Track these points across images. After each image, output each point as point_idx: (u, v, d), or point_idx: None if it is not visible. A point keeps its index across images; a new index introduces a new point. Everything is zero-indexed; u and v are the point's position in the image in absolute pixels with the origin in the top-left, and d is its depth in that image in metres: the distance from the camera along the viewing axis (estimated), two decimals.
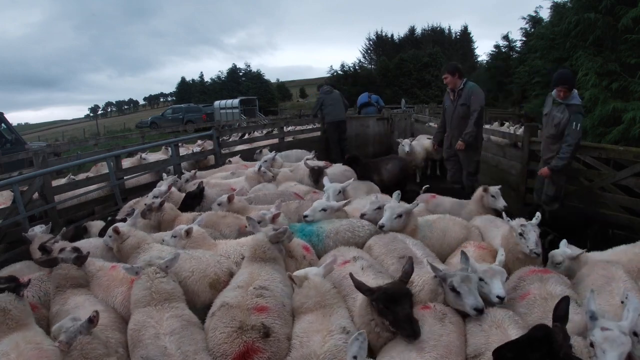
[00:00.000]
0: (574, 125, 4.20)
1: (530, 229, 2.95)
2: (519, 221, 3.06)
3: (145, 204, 4.18)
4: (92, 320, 2.05)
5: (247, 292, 2.39)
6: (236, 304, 2.28)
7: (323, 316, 2.26)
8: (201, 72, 76.50)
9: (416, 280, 2.62)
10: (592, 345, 1.84)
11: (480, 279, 2.50)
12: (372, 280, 2.53)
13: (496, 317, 2.25)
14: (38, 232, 3.87)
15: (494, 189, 4.24)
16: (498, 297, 2.42)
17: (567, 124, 4.25)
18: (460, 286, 2.32)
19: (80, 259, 2.86)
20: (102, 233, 3.71)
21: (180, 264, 2.81)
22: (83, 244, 3.52)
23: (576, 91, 4.42)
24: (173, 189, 4.94)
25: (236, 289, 2.45)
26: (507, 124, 11.73)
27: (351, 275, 2.28)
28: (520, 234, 2.95)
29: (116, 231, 3.20)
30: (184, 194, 4.82)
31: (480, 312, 2.25)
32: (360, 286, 2.19)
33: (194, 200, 4.53)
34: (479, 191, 4.34)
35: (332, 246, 3.28)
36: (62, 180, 6.29)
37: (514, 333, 2.08)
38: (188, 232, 3.27)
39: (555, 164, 4.35)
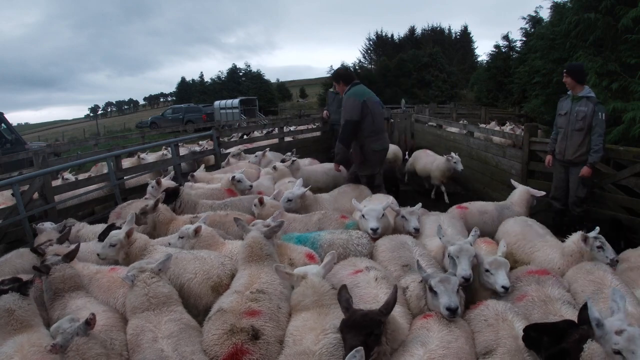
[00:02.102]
0: (600, 115, 4.31)
1: (604, 240, 2.93)
2: (592, 234, 2.97)
3: (140, 208, 3.94)
4: (90, 323, 2.03)
5: (242, 296, 2.39)
6: (230, 308, 2.30)
7: (319, 315, 2.25)
8: (201, 72, 76.45)
9: (410, 286, 2.63)
10: (618, 353, 1.75)
11: (486, 270, 2.58)
12: (383, 295, 2.44)
13: (498, 310, 2.26)
14: (48, 227, 3.91)
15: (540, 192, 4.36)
16: (503, 287, 2.50)
17: (593, 115, 4.33)
18: (437, 285, 2.31)
19: (70, 254, 2.80)
20: (101, 237, 3.41)
21: (183, 265, 2.79)
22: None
23: (591, 90, 4.50)
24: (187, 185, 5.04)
25: (233, 294, 2.44)
26: (508, 125, 11.61)
27: (342, 288, 2.19)
28: (599, 247, 2.89)
29: (129, 234, 3.07)
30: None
31: (453, 312, 2.22)
32: (341, 301, 2.12)
33: (168, 198, 4.29)
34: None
35: (323, 257, 3.15)
36: (61, 180, 6.30)
37: (518, 325, 2.11)
38: (197, 231, 3.21)
39: (594, 158, 4.35)
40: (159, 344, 2.11)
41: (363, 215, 3.44)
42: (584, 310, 1.94)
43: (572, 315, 2.25)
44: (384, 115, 5.23)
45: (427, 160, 7.09)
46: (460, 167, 6.41)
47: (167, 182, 5.32)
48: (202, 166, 6.79)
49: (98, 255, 3.14)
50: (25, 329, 2.22)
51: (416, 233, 3.54)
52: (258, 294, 2.41)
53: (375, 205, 3.55)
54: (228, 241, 3.35)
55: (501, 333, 2.10)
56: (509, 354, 1.96)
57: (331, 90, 8.61)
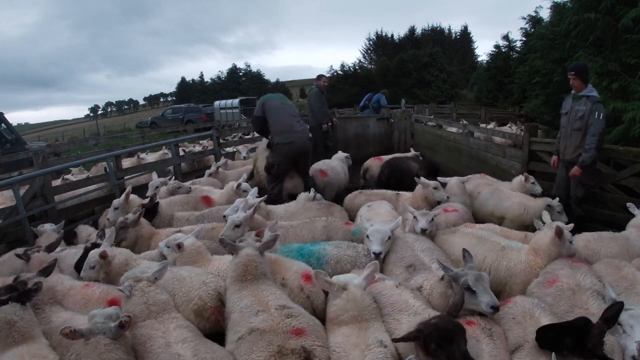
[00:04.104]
0: (597, 114, 4.19)
1: None
2: None
3: (118, 222, 3.61)
4: (124, 326, 1.97)
5: (270, 314, 2.23)
6: (268, 327, 2.13)
7: (359, 330, 2.17)
8: (201, 72, 76.43)
9: (425, 285, 2.62)
10: (619, 324, 1.95)
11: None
12: (411, 300, 2.39)
13: (526, 308, 2.30)
14: (48, 228, 3.90)
15: None
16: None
17: (590, 115, 4.25)
18: (475, 285, 2.30)
19: (45, 270, 2.66)
20: (78, 265, 3.18)
21: (162, 285, 2.58)
22: (64, 256, 3.41)
23: (594, 89, 4.44)
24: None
25: (257, 313, 2.26)
26: (512, 127, 11.49)
27: (395, 340, 2.06)
28: None
29: (103, 256, 2.92)
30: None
31: (496, 309, 2.25)
32: (406, 338, 1.97)
33: (145, 215, 4.00)
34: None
35: (330, 274, 2.83)
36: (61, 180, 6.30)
37: (545, 322, 2.17)
38: (179, 246, 3.05)
39: (583, 158, 4.27)
40: (173, 348, 2.04)
41: (367, 236, 3.20)
42: (612, 308, 2.00)
43: (598, 307, 2.32)
44: (290, 115, 5.62)
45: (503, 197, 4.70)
46: (538, 189, 4.75)
47: (134, 197, 4.58)
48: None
49: (82, 278, 3.01)
50: (25, 340, 2.14)
51: (422, 233, 3.41)
52: (285, 309, 2.26)
53: (382, 226, 3.25)
54: (216, 257, 3.14)
55: (529, 330, 2.16)
56: (536, 348, 2.04)
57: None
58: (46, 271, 2.67)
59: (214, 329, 2.47)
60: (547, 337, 1.98)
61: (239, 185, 4.86)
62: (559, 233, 2.92)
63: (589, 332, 1.88)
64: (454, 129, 8.89)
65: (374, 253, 3.07)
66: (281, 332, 2.10)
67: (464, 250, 2.65)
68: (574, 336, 1.89)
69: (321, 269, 2.94)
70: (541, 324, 2.15)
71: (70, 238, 4.39)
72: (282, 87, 52.20)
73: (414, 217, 3.57)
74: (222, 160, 6.92)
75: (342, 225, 3.69)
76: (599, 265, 2.92)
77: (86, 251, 3.20)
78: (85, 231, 4.34)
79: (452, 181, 4.66)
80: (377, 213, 4.06)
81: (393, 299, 2.44)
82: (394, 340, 2.07)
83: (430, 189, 4.40)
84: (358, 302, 2.26)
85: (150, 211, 4.10)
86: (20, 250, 3.25)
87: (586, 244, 3.25)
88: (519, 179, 4.91)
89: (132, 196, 4.40)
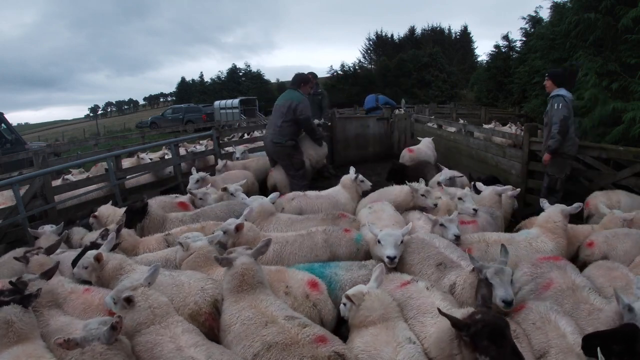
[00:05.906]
0: (555, 106, 4.63)
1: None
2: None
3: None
4: (115, 327, 1.95)
5: (283, 326, 2.14)
6: (289, 340, 2.05)
7: (387, 329, 2.20)
8: (201, 72, 76.06)
9: (457, 281, 2.64)
10: None
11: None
12: (439, 302, 2.40)
13: (542, 312, 2.32)
14: (48, 230, 3.88)
15: None
16: None
17: (550, 109, 4.69)
18: (492, 278, 2.32)
19: (48, 273, 2.67)
20: (75, 262, 3.13)
21: (161, 290, 2.58)
22: (63, 258, 3.38)
23: (564, 90, 4.71)
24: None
25: (266, 326, 2.18)
26: (512, 127, 11.50)
27: (439, 311, 2.06)
28: None
29: (98, 259, 2.86)
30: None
31: (509, 304, 2.27)
32: (456, 323, 1.94)
33: (134, 217, 3.96)
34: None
35: (340, 297, 2.67)
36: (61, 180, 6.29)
37: (563, 323, 2.20)
38: (182, 245, 3.02)
39: (549, 143, 4.65)
40: (185, 352, 2.02)
41: (379, 241, 3.02)
42: None
43: (601, 302, 2.37)
44: (277, 114, 6.12)
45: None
46: (367, 184, 5.00)
47: (106, 208, 4.40)
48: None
49: (74, 274, 3.01)
50: (22, 341, 2.14)
51: (456, 240, 3.29)
52: (295, 319, 2.21)
53: (394, 230, 3.09)
54: None
55: (550, 334, 2.19)
56: (563, 353, 2.07)
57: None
58: (48, 274, 2.67)
59: (208, 335, 2.44)
60: (594, 345, 1.94)
61: (357, 177, 4.93)
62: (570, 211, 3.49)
63: (638, 337, 1.86)
64: (453, 129, 8.89)
65: (389, 257, 2.90)
66: (306, 344, 2.02)
67: (502, 245, 2.66)
68: (622, 343, 1.89)
69: (336, 294, 2.82)
70: (559, 327, 2.19)
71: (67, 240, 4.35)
72: (282, 87, 52.16)
73: (441, 224, 3.42)
74: (221, 163, 6.87)
75: (343, 234, 3.44)
76: (590, 268, 2.96)
77: (85, 249, 3.16)
78: (78, 234, 4.28)
79: (486, 192, 4.33)
80: (379, 217, 3.78)
81: (420, 302, 2.45)
82: (446, 316, 2.01)
83: (455, 199, 4.21)
84: (382, 299, 2.32)
85: (139, 212, 4.01)
86: (19, 253, 3.22)
87: (605, 240, 3.43)
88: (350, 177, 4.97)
89: (106, 207, 4.37)
